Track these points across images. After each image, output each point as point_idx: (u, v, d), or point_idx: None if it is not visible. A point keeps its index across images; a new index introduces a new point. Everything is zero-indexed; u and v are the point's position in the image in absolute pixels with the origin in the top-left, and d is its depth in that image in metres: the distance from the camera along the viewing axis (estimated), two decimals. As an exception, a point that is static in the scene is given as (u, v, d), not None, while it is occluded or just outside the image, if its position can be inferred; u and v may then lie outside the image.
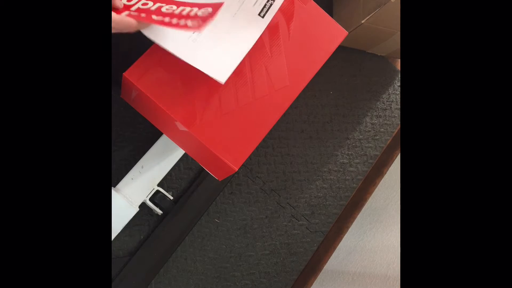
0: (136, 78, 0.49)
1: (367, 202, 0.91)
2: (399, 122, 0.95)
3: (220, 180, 0.63)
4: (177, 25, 0.43)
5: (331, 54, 0.57)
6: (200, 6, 0.44)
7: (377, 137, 0.93)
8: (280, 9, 0.54)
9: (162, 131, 0.59)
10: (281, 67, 0.54)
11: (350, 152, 0.90)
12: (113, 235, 0.68)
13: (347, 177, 0.88)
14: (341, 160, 0.89)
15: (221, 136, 0.50)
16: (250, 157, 0.72)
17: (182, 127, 0.50)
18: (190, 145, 0.56)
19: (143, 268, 0.69)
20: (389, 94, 0.96)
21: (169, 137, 0.60)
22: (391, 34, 0.84)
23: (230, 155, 0.50)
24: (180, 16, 0.43)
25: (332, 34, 0.58)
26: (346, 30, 0.89)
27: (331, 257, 0.86)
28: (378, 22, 0.79)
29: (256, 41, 0.53)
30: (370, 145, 0.92)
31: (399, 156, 0.94)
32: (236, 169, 0.50)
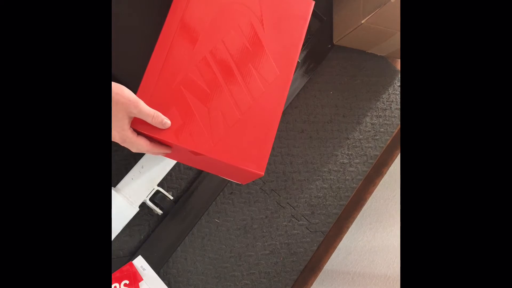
0: (141, 126, 0.48)
1: (367, 202, 0.91)
2: (399, 122, 0.95)
3: (244, 184, 0.62)
4: None
5: (306, 27, 0.56)
6: None
7: (377, 137, 0.93)
8: (246, 5, 0.54)
9: (178, 161, 0.58)
10: (267, 59, 0.54)
11: (350, 152, 0.90)
12: (113, 235, 0.68)
13: (347, 177, 0.88)
14: (341, 160, 0.89)
15: (237, 147, 0.50)
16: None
17: (199, 154, 0.50)
18: (209, 165, 0.56)
19: (143, 268, 0.69)
20: (389, 94, 0.96)
21: (186, 163, 0.59)
22: (391, 34, 0.84)
23: (253, 163, 0.50)
24: None
25: (301, 8, 0.57)
26: (346, 30, 0.89)
27: (331, 257, 0.86)
28: (378, 22, 0.79)
29: (236, 42, 0.53)
30: (370, 145, 0.92)
31: (399, 156, 0.94)
32: (263, 174, 0.51)
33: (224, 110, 0.51)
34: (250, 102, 0.52)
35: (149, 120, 0.47)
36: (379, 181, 0.92)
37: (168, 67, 0.50)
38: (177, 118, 0.49)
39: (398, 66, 0.99)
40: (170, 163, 0.72)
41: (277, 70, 0.54)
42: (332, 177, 0.87)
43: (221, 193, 0.78)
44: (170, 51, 0.51)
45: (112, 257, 0.69)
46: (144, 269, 0.68)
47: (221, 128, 0.50)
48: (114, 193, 0.65)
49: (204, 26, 0.52)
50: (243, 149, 0.50)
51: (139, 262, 0.68)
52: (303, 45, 0.90)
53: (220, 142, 0.50)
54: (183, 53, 0.51)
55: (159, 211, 0.70)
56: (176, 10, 0.52)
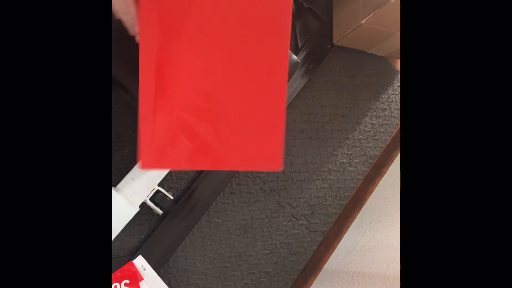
0: (156, 163, 0.48)
1: (367, 202, 0.91)
2: (399, 122, 0.95)
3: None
4: None
5: (290, 19, 0.54)
6: None
7: (377, 137, 0.93)
8: (224, 18, 0.52)
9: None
10: (257, 61, 0.52)
11: (350, 152, 0.90)
12: (114, 235, 0.68)
13: (347, 177, 0.89)
14: (341, 160, 0.89)
15: (249, 152, 0.50)
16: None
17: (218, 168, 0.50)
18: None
19: (143, 267, 0.70)
20: (388, 94, 0.96)
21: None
22: (391, 34, 0.84)
23: (268, 161, 0.50)
24: None
25: (277, 2, 0.54)
26: (346, 30, 0.89)
27: (331, 257, 0.86)
28: (378, 22, 0.79)
29: (224, 57, 0.50)
30: (370, 145, 0.92)
31: (398, 156, 0.94)
32: (281, 168, 0.50)
33: (228, 119, 0.50)
34: (252, 103, 0.52)
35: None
36: (379, 181, 0.92)
37: (161, 101, 0.48)
38: (186, 144, 0.49)
39: (397, 66, 0.99)
40: (170, 163, 0.72)
41: (271, 63, 0.52)
42: (332, 177, 0.87)
43: (221, 193, 0.78)
44: (158, 89, 0.48)
45: (113, 256, 0.69)
46: (144, 269, 0.68)
47: (230, 138, 0.50)
48: (114, 193, 0.65)
49: (186, 47, 0.48)
50: (256, 152, 0.50)
51: (140, 262, 0.68)
52: (303, 45, 0.90)
53: (233, 152, 0.50)
54: (172, 84, 0.49)
55: (160, 211, 0.70)
56: (148, 50, 0.47)
